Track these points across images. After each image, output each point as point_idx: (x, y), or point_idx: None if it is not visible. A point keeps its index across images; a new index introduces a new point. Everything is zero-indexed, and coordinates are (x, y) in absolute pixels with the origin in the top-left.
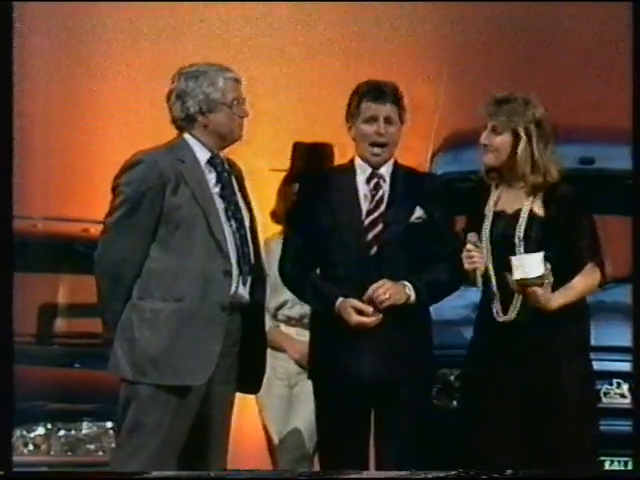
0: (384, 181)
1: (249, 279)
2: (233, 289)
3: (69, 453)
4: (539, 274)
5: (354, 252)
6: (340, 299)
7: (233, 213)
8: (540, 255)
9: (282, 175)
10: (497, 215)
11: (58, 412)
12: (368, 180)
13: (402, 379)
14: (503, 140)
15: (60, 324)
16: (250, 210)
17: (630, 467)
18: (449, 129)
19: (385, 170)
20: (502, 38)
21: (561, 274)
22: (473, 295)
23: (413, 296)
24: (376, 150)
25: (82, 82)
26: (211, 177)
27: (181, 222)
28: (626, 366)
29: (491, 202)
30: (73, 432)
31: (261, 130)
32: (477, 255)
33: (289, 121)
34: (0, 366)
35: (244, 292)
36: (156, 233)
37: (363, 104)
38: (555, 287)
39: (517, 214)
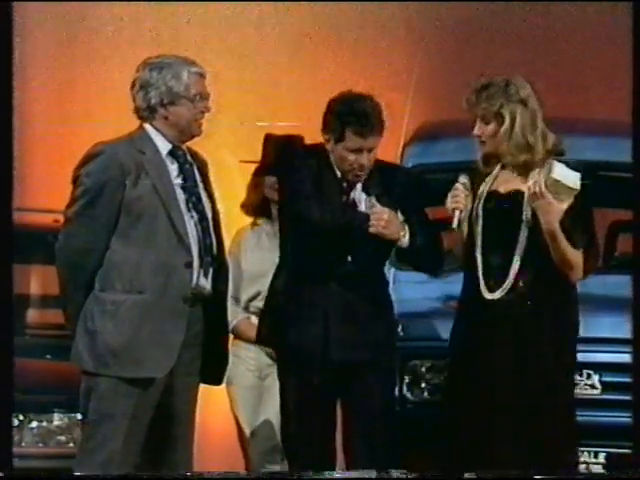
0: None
1: (211, 270)
2: (194, 280)
3: (40, 444)
4: (575, 187)
5: (330, 244)
6: None
7: (194, 205)
8: (579, 175)
9: (248, 167)
10: (490, 194)
11: (30, 403)
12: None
13: (366, 361)
14: (494, 127)
15: (32, 315)
16: (212, 202)
17: (601, 459)
18: (419, 122)
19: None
20: (477, 34)
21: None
22: (443, 287)
23: (407, 238)
24: (358, 173)
25: (80, 77)
26: (173, 169)
27: (142, 214)
28: (596, 357)
29: (484, 184)
30: (44, 423)
31: (225, 122)
32: (462, 196)
33: (253, 114)
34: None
35: (206, 283)
36: (117, 225)
37: (347, 134)
38: (544, 281)
39: (511, 194)
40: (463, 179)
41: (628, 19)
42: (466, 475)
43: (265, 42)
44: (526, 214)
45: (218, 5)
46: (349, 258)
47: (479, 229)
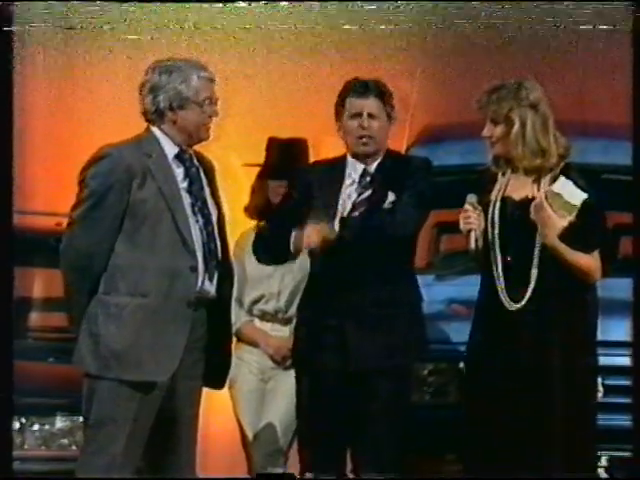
0: (373, 179)
1: (215, 274)
2: (199, 285)
3: (43, 447)
4: (575, 204)
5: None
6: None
7: (200, 209)
8: (584, 194)
9: (254, 170)
10: (504, 201)
11: (32, 406)
12: (360, 179)
13: (384, 368)
14: (502, 129)
15: (34, 318)
16: (218, 205)
17: (603, 462)
18: (422, 125)
19: (374, 167)
20: (478, 37)
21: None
22: (447, 290)
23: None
24: (364, 140)
25: (83, 79)
26: (179, 172)
27: (147, 217)
28: (599, 360)
29: (497, 188)
30: (47, 426)
31: (233, 126)
32: (474, 216)
33: (261, 117)
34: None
35: (210, 287)
36: (122, 227)
37: (347, 101)
38: (565, 287)
39: (524, 202)
40: (471, 198)
41: (628, 20)
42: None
43: (274, 47)
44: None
45: (226, 9)
46: (365, 264)
47: (496, 238)
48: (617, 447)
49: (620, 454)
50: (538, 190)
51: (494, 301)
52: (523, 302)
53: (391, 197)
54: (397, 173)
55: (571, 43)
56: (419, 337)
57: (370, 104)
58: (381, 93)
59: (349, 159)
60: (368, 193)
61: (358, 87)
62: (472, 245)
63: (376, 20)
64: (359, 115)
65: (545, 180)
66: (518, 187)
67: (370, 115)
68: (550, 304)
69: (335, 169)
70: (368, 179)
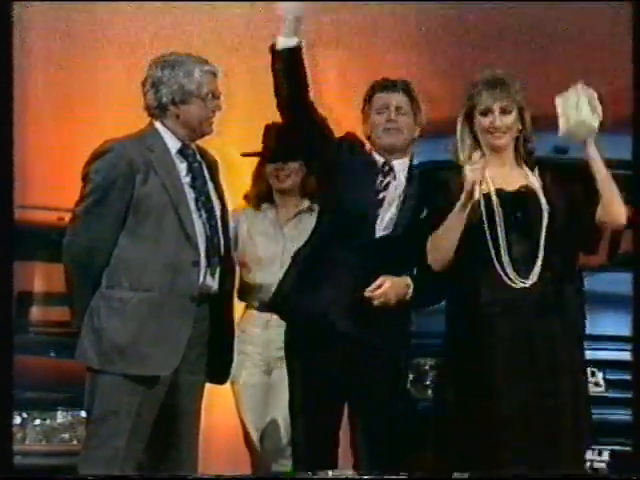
0: (394, 175)
1: (218, 269)
2: (201, 279)
3: (44, 442)
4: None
5: (359, 237)
6: None
7: (203, 203)
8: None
9: (253, 161)
10: (499, 193)
11: (33, 401)
12: (381, 170)
13: (372, 344)
14: (514, 119)
15: (36, 313)
16: (221, 200)
17: (605, 457)
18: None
19: (398, 164)
20: (476, 32)
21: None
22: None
23: (410, 293)
24: (390, 132)
25: (83, 73)
26: (182, 167)
27: (150, 212)
28: (601, 354)
29: (484, 181)
30: (48, 421)
31: (236, 121)
32: (481, 167)
33: (263, 112)
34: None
35: (212, 282)
36: (125, 222)
37: (374, 96)
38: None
39: (521, 191)
40: (479, 153)
41: (628, 19)
42: (456, 475)
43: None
44: (545, 207)
45: (228, 3)
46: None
47: (499, 228)
48: (618, 442)
49: (621, 449)
50: (523, 176)
51: (494, 289)
52: (529, 280)
53: (425, 211)
54: (427, 188)
55: (572, 35)
56: (408, 332)
57: (397, 98)
58: (409, 90)
59: (374, 155)
60: (386, 182)
61: (385, 83)
62: (476, 195)
63: (376, 15)
64: (386, 108)
65: (530, 171)
66: (502, 177)
67: (397, 109)
68: (557, 289)
69: (366, 164)
70: (387, 169)
